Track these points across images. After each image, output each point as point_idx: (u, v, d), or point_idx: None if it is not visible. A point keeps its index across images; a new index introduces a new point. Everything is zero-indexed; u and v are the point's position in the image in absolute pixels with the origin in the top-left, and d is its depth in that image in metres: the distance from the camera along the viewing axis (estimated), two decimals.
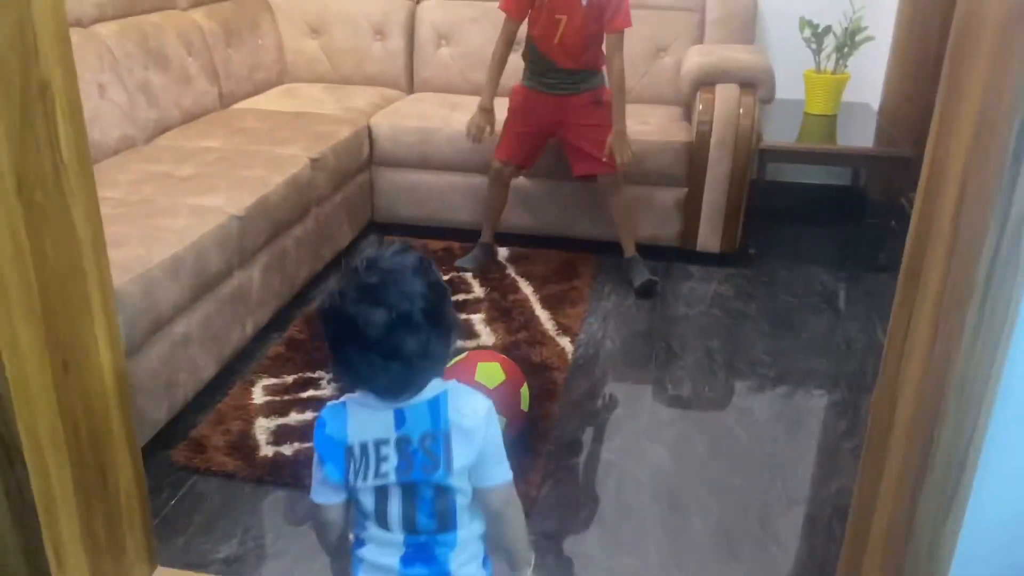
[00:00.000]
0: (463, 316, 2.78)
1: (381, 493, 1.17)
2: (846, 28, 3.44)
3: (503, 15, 2.91)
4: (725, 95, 3.12)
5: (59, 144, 1.34)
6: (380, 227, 3.48)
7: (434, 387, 1.17)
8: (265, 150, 2.83)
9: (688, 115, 3.36)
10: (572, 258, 3.25)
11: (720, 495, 1.99)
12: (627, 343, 2.69)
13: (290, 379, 2.40)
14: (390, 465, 1.15)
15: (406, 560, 1.20)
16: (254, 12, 3.72)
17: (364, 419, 1.16)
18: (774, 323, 2.84)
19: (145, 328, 1.95)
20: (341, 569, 1.33)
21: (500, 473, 1.21)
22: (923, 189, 1.26)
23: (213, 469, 2.03)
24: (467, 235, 3.32)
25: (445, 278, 1.70)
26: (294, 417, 2.22)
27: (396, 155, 3.36)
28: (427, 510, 1.18)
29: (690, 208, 3.21)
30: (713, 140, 3.10)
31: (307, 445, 2.06)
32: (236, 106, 3.44)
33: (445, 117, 3.38)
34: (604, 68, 2.89)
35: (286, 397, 2.31)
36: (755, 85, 3.14)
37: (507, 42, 2.90)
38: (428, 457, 1.14)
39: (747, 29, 3.61)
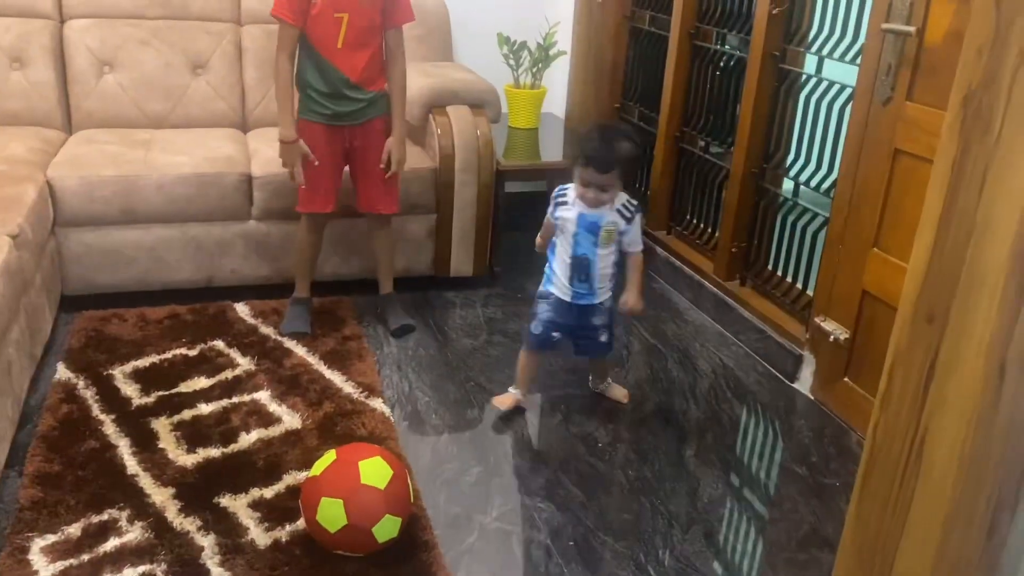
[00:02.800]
0: (246, 397, 2.38)
1: None
2: (540, 44, 3.58)
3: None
4: (460, 117, 3.07)
5: None
6: (74, 302, 2.81)
7: None
8: None
9: (417, 138, 3.25)
10: (325, 304, 2.96)
11: (621, 536, 1.98)
12: (438, 391, 2.54)
13: (74, 529, 1.84)
14: None
15: None
16: None
17: None
18: None
19: None
20: None
21: None
22: None
23: None
24: (191, 295, 2.86)
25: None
26: None
27: (89, 213, 2.74)
28: None
29: (441, 235, 3.12)
30: (457, 164, 3.04)
31: None
32: None
33: (146, 160, 2.84)
34: (387, 87, 2.65)
35: (85, 557, 1.77)
36: (483, 106, 3.14)
37: (291, 55, 2.50)
38: None
39: (446, 46, 3.60)
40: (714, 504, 2.13)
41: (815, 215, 2.71)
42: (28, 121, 3.09)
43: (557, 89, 3.80)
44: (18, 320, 2.15)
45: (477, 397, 2.52)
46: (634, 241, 2.32)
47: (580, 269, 2.30)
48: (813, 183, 2.69)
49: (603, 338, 2.41)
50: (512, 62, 3.60)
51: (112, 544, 1.81)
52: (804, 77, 2.71)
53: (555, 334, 2.38)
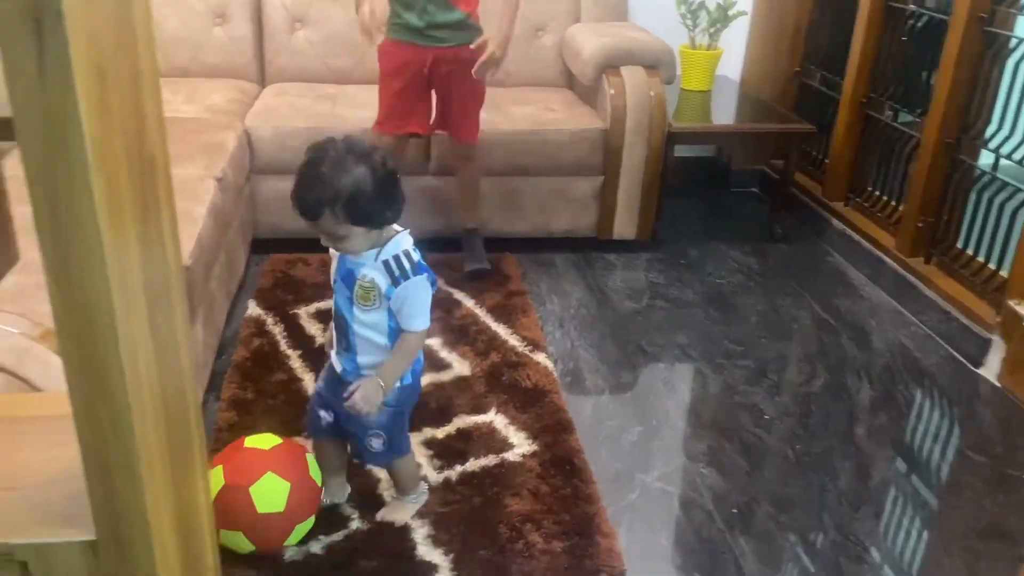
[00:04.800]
0: None
1: None
2: (720, 4, 3.48)
3: None
4: (634, 78, 3.04)
5: (164, 241, 0.93)
6: (264, 245, 3.01)
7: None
8: None
9: (587, 99, 3.25)
10: (492, 259, 3.03)
11: (785, 508, 1.94)
12: (599, 350, 2.56)
13: None
14: None
15: None
16: None
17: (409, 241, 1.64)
18: (717, 308, 2.84)
19: None
20: None
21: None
22: None
23: None
24: None
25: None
26: None
27: (281, 161, 2.91)
28: None
29: (606, 197, 3.11)
30: (628, 125, 3.01)
31: None
32: None
33: (330, 114, 2.99)
34: (478, 19, 2.62)
35: None
36: (658, 67, 3.09)
37: None
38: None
39: (620, 6, 3.55)
40: (885, 485, 2.05)
41: (1016, 191, 2.52)
42: (226, 74, 3.31)
43: (734, 51, 3.68)
44: (219, 258, 2.33)
45: (637, 359, 2.52)
46: (408, 316, 1.60)
47: (339, 329, 1.67)
48: (1017, 156, 2.50)
49: (372, 443, 1.69)
50: (689, 22, 3.52)
51: None
52: (1015, 41, 2.51)
53: (323, 413, 1.75)
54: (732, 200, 3.83)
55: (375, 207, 1.50)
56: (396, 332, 1.63)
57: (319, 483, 1.72)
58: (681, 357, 2.55)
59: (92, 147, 0.70)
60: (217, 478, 1.61)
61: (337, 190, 1.47)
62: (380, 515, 1.81)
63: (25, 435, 0.99)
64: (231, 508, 1.57)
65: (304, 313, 2.62)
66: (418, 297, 1.60)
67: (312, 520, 1.71)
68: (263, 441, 1.70)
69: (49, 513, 0.86)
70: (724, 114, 3.58)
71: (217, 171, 2.40)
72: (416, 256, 1.62)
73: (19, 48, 0.65)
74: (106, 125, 0.74)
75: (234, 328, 2.53)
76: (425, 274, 1.62)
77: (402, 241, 1.61)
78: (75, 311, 0.74)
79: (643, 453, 2.11)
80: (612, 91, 3.02)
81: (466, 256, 2.88)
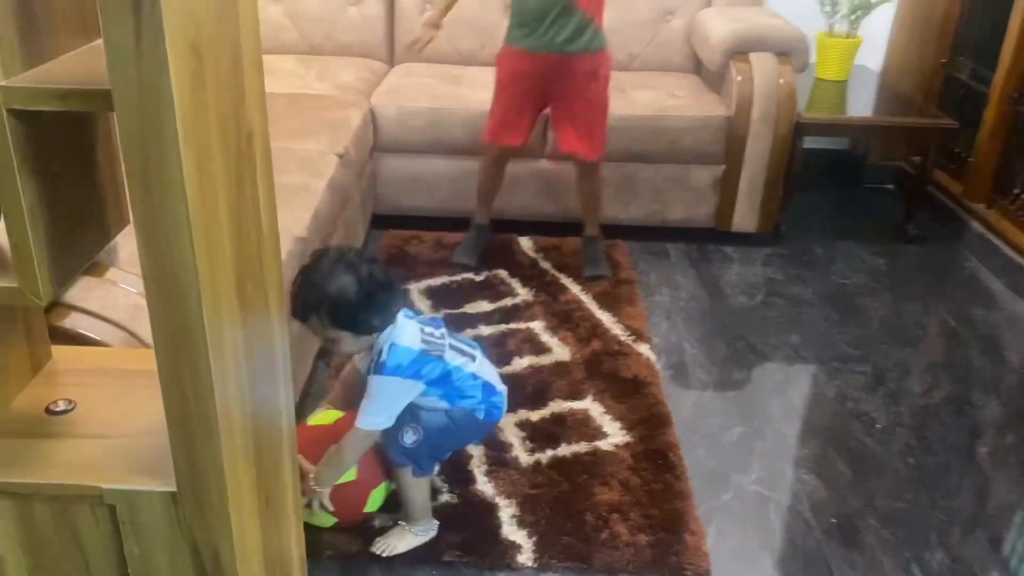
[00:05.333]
0: (522, 325, 2.50)
1: (453, 347, 1.68)
2: None
3: None
4: (763, 65, 2.93)
5: (260, 213, 0.98)
6: (382, 220, 3.10)
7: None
8: (283, 147, 2.40)
9: (714, 85, 3.16)
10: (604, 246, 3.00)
11: (890, 523, 1.85)
12: (706, 345, 2.50)
13: None
14: (436, 332, 1.67)
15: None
16: None
17: (407, 336, 1.61)
18: (838, 309, 2.71)
19: None
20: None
21: None
22: None
23: None
24: (522, 225, 3.04)
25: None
26: None
27: (403, 140, 2.98)
28: (457, 332, 1.78)
29: (727, 187, 3.02)
30: (754, 114, 2.91)
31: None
32: None
33: (455, 95, 3.03)
34: (601, 24, 2.53)
35: None
36: (789, 54, 2.97)
37: None
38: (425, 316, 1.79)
39: None
40: (1005, 510, 1.91)
41: None
42: (358, 52, 3.41)
43: (875, 40, 3.49)
44: (338, 231, 2.42)
45: (746, 357, 2.45)
46: (361, 408, 1.60)
47: None
48: None
49: (406, 435, 1.66)
50: (828, 8, 3.35)
51: None
52: None
53: None
54: (865, 196, 3.64)
55: (359, 315, 1.55)
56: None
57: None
58: (793, 358, 2.46)
59: (183, 120, 0.74)
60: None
61: (321, 296, 1.54)
62: (378, 543, 1.72)
63: (130, 388, 1.06)
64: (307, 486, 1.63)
65: (415, 289, 2.68)
66: (379, 393, 1.59)
67: (385, 485, 1.74)
68: (325, 417, 1.76)
69: (139, 463, 0.92)
70: (861, 105, 3.40)
71: (339, 147, 2.48)
72: (400, 353, 1.58)
73: (119, 25, 0.69)
74: (199, 100, 0.78)
75: None
76: (396, 376, 1.58)
77: (395, 334, 1.60)
78: (162, 276, 0.78)
79: (742, 454, 2.05)
80: (739, 78, 2.92)
81: (586, 262, 2.83)
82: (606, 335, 2.48)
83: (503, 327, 2.49)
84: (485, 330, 2.47)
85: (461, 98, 2.99)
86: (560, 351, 2.40)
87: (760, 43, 2.96)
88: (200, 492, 0.88)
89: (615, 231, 3.06)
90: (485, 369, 1.74)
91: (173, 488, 0.88)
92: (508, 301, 2.65)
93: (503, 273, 2.81)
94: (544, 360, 2.35)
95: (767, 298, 2.78)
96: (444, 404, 1.67)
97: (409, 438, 1.66)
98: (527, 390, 2.21)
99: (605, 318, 2.57)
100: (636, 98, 3.04)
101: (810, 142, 3.17)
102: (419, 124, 2.95)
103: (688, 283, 2.84)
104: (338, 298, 1.53)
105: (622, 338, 2.47)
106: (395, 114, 2.95)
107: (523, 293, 2.69)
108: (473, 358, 1.71)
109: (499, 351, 2.36)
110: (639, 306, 2.65)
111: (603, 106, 2.64)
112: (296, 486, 1.21)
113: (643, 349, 2.42)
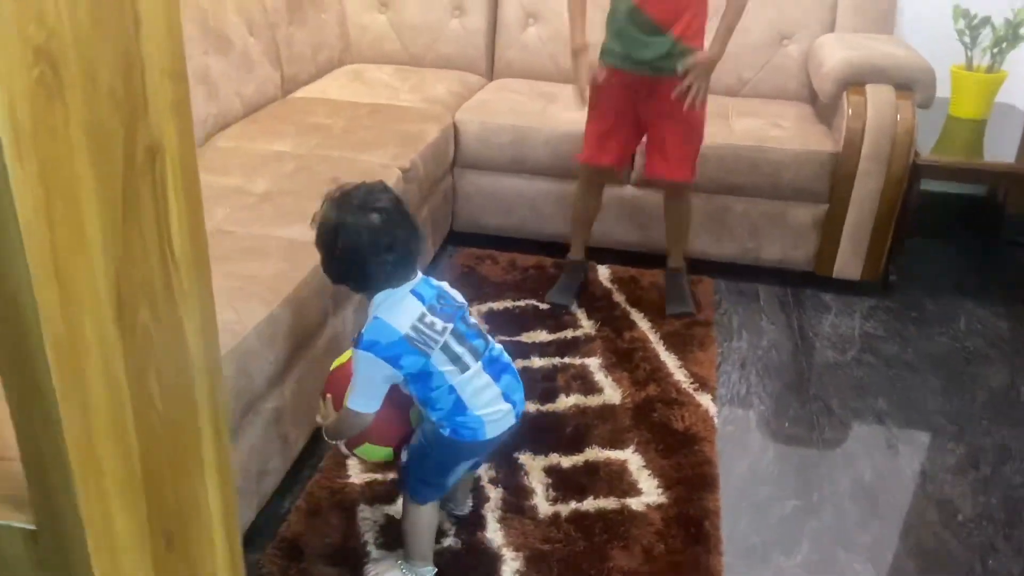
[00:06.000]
0: (577, 360, 2.36)
1: (447, 349, 1.46)
2: (1009, 19, 2.95)
3: None
4: (879, 98, 2.65)
5: (171, 235, 0.90)
6: (459, 237, 3.03)
7: (418, 272, 1.50)
8: (348, 157, 2.38)
9: (825, 117, 2.90)
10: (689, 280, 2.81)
11: None
12: (778, 402, 2.27)
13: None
14: (438, 325, 1.46)
15: (495, 376, 1.52)
16: None
17: (398, 313, 1.44)
18: (941, 375, 2.41)
19: (237, 414, 1.52)
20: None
21: None
22: None
23: None
24: (559, 249, 2.87)
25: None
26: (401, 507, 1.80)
27: (484, 157, 2.90)
28: (472, 334, 1.52)
29: (830, 228, 2.76)
30: (864, 151, 2.65)
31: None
32: (299, 93, 2.98)
33: (541, 113, 2.92)
34: (702, 46, 2.35)
35: (390, 475, 1.89)
36: (912, 87, 2.68)
37: None
38: (448, 304, 1.50)
39: (886, 17, 3.13)
40: None
41: None
42: (458, 65, 3.36)
43: (1015, 75, 3.11)
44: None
45: (820, 419, 2.21)
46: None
47: None
48: None
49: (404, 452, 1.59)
50: (967, 39, 3.02)
51: None
52: None
53: None
54: (1000, 251, 3.26)
55: (332, 267, 1.50)
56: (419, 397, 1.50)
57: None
58: (874, 426, 2.19)
59: (15, 129, 0.67)
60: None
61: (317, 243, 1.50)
62: (368, 569, 1.65)
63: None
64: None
65: (475, 311, 2.59)
66: (356, 369, 1.45)
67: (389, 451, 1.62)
68: (343, 357, 1.60)
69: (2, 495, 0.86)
70: (1000, 148, 3.04)
71: (405, 161, 2.43)
72: (380, 329, 1.43)
73: None
74: (50, 110, 0.71)
75: None
76: (370, 353, 1.42)
77: (387, 305, 1.45)
78: (2, 303, 0.72)
79: (791, 531, 1.83)
80: (850, 111, 2.66)
81: (669, 297, 2.65)
82: (666, 380, 2.30)
83: (556, 360, 2.36)
84: (537, 362, 2.34)
85: (549, 117, 2.88)
86: (611, 393, 2.24)
87: (878, 74, 2.69)
88: (59, 531, 0.82)
89: (703, 266, 2.86)
90: (474, 385, 1.49)
91: (32, 525, 0.82)
92: (568, 333, 2.51)
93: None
94: (591, 401, 2.20)
95: (860, 355, 2.50)
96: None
97: (404, 456, 1.56)
98: (565, 432, 2.07)
99: (670, 361, 2.39)
100: (737, 126, 2.84)
101: (939, 186, 2.86)
102: (502, 141, 2.86)
103: (773, 330, 2.61)
104: (319, 245, 1.48)
105: (683, 385, 2.28)
106: (478, 130, 2.88)
107: (586, 326, 2.55)
108: (465, 369, 1.47)
109: (546, 386, 2.23)
110: (711, 351, 2.45)
111: (696, 128, 2.45)
112: (233, 514, 1.14)
113: (704, 400, 2.22)
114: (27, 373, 0.75)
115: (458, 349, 1.48)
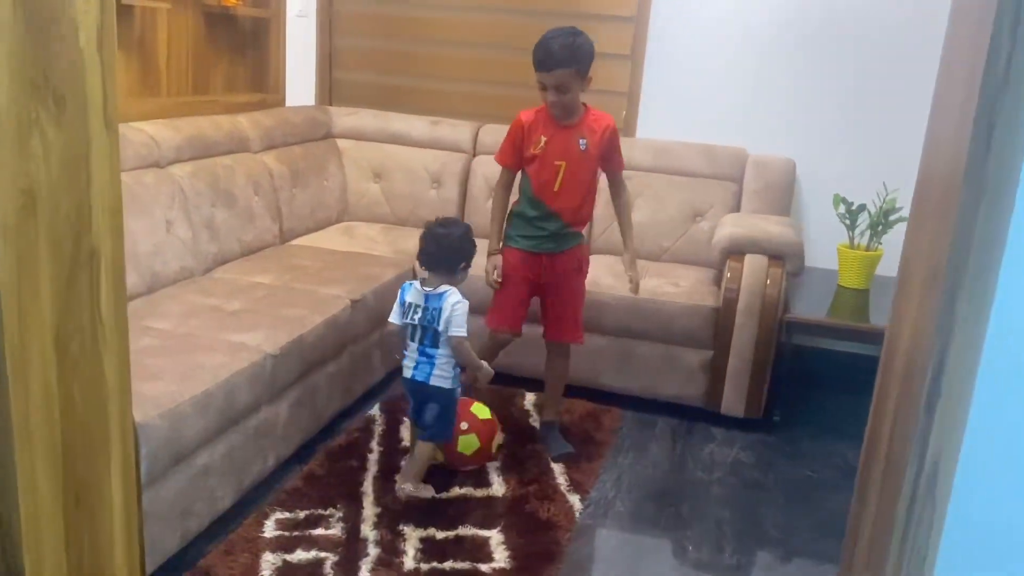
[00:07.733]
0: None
1: (412, 327, 2.60)
2: (880, 207, 3.53)
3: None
4: (753, 265, 3.22)
5: (99, 303, 1.52)
6: None
7: (443, 288, 2.59)
8: (310, 289, 3.03)
9: (718, 280, 3.47)
10: (597, 410, 3.32)
11: None
12: (638, 506, 2.72)
13: (302, 515, 2.49)
14: (418, 316, 2.58)
15: (420, 360, 2.62)
16: (323, 155, 4.04)
17: (413, 293, 2.61)
18: (789, 497, 2.83)
19: (167, 460, 2.08)
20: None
21: (456, 331, 2.57)
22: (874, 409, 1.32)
23: None
24: (530, 383, 3.41)
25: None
26: (299, 555, 2.30)
27: None
28: (428, 338, 2.59)
29: (715, 371, 3.27)
30: (740, 307, 3.19)
31: None
32: (295, 242, 3.69)
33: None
34: (585, 228, 2.93)
35: (295, 533, 2.39)
36: (783, 258, 3.25)
37: (506, 187, 2.96)
38: (432, 316, 2.57)
39: (783, 200, 3.75)
40: None
41: None
42: None
43: (897, 251, 3.64)
44: (338, 360, 2.95)
45: (667, 521, 2.63)
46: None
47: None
48: None
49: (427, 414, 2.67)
50: (848, 222, 3.60)
51: (318, 531, 2.41)
52: None
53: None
54: None
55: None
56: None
57: (488, 415, 2.86)
58: (709, 530, 2.61)
59: (3, 227, 1.30)
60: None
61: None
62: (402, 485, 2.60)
63: None
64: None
65: (406, 429, 3.13)
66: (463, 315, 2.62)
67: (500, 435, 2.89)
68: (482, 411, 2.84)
69: None
70: (879, 314, 3.53)
71: (356, 294, 3.06)
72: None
73: None
74: (30, 222, 1.34)
75: (352, 420, 3.11)
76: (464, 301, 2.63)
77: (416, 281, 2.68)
78: None
79: None
80: (729, 274, 3.23)
81: (549, 447, 2.98)
82: (548, 482, 2.77)
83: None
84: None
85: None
86: (498, 488, 2.72)
87: (754, 245, 3.27)
88: (2, 483, 1.38)
89: (612, 399, 3.37)
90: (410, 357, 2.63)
91: None
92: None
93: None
94: (479, 493, 2.68)
95: (724, 477, 2.94)
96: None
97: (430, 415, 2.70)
98: (447, 514, 2.55)
99: (556, 468, 2.87)
100: (643, 284, 3.41)
101: (810, 340, 3.35)
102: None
103: (658, 453, 3.07)
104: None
105: (561, 487, 2.75)
106: None
107: (497, 436, 3.05)
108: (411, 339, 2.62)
109: (439, 480, 2.72)
110: (596, 464, 2.92)
111: (581, 296, 2.99)
112: (132, 490, 1.67)
113: (574, 499, 2.68)
114: None
115: (416, 331, 2.60)
